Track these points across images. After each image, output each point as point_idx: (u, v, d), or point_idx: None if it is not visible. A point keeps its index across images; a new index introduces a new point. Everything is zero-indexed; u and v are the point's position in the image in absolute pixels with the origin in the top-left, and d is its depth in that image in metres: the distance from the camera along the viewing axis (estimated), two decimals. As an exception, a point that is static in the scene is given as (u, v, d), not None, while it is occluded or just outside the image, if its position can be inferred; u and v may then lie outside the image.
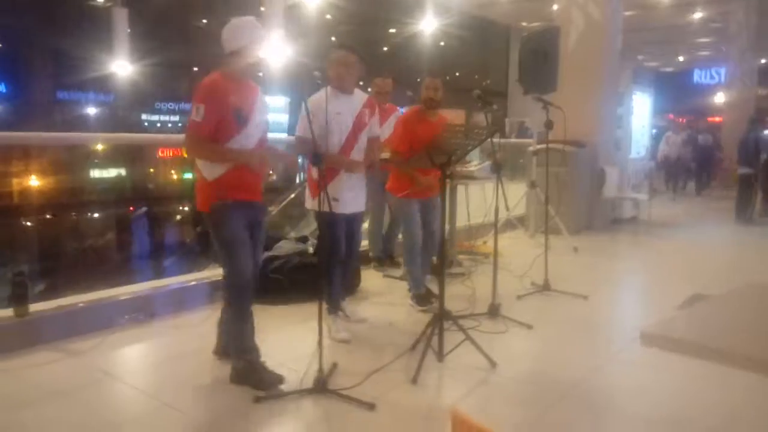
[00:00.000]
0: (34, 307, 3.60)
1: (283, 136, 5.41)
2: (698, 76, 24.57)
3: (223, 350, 3.24)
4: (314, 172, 3.62)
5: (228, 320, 3.10)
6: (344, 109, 3.63)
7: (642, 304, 4.93)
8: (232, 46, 2.93)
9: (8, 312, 3.51)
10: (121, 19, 8.30)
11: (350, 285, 4.32)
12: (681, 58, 23.30)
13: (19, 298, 3.52)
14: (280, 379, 2.95)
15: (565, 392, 3.01)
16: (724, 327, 1.42)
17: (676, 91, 24.91)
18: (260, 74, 3.23)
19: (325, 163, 3.30)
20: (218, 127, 2.87)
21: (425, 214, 4.33)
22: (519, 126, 13.99)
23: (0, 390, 2.93)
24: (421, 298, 4.30)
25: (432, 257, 4.52)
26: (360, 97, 3.77)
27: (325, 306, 3.68)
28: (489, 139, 3.68)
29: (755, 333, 1.39)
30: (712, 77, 23.41)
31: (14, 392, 2.91)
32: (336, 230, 3.70)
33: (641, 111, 8.95)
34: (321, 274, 3.72)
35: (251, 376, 2.96)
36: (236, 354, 3.02)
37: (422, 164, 3.54)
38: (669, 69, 25.42)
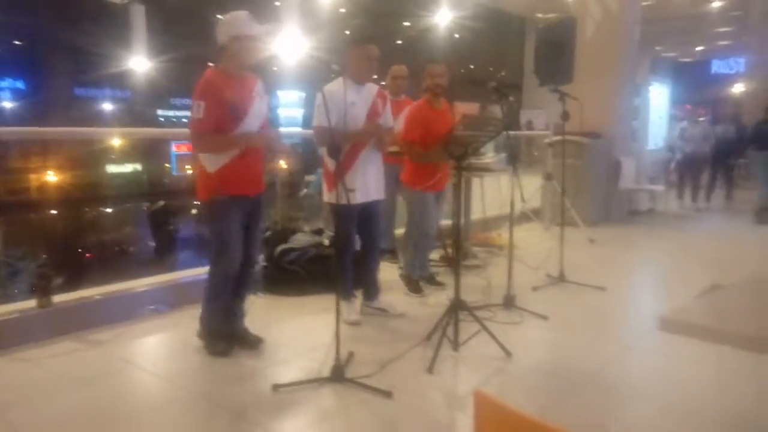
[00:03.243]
0: (57, 298, 3.67)
1: (298, 130, 5.42)
2: (717, 67, 24.30)
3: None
4: (330, 164, 3.67)
5: (205, 293, 3.28)
6: (358, 99, 3.66)
7: (659, 295, 4.91)
8: (222, 39, 3.03)
9: (32, 303, 3.59)
10: (138, 15, 8.38)
11: (375, 277, 4.09)
12: (699, 48, 23.02)
13: (42, 289, 3.59)
14: (227, 352, 3.24)
15: (582, 381, 3.02)
16: (742, 312, 1.42)
17: (695, 82, 24.59)
18: (274, 69, 3.27)
19: (349, 141, 3.52)
20: (216, 123, 2.97)
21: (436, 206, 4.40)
22: (527, 125, 14.07)
23: (27, 378, 3.01)
24: (414, 283, 4.43)
25: (432, 243, 4.65)
26: (371, 87, 3.80)
27: (338, 292, 3.77)
28: (504, 132, 3.71)
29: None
30: (730, 67, 23.14)
31: (40, 380, 2.98)
32: (349, 222, 3.74)
33: (659, 102, 8.86)
34: (335, 264, 3.76)
35: (209, 339, 3.30)
36: (204, 319, 3.33)
37: (439, 157, 3.55)
38: (687, 59, 25.14)
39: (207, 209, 3.13)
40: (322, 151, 3.66)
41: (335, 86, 3.63)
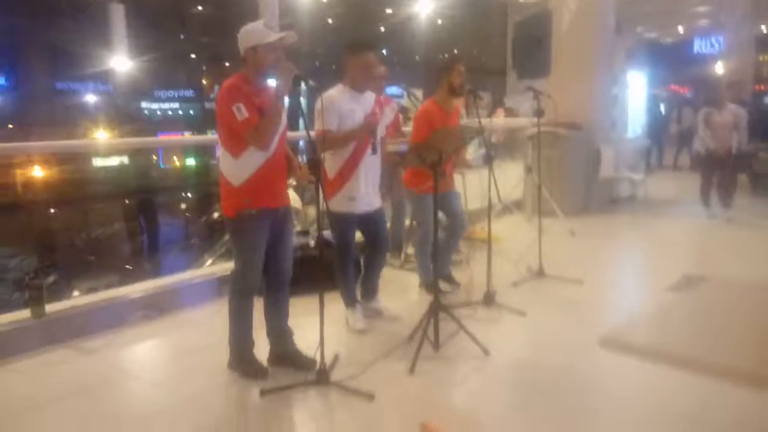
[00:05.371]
0: (50, 307, 3.77)
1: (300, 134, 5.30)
2: (699, 46, 24.48)
3: (274, 357, 3.31)
4: (330, 172, 3.70)
5: (229, 311, 3.23)
6: (357, 107, 3.65)
7: (635, 287, 5.07)
8: (241, 50, 3.03)
9: (25, 313, 3.68)
10: (117, 15, 8.37)
11: (376, 279, 4.12)
12: (681, 28, 23.16)
13: (35, 299, 3.68)
14: (264, 372, 3.18)
15: (555, 377, 3.18)
16: (683, 330, 1.54)
17: (677, 62, 24.79)
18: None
19: (348, 141, 3.57)
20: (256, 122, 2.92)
21: (447, 204, 4.30)
22: (510, 112, 14.25)
23: (20, 390, 3.11)
24: (431, 285, 4.24)
25: (459, 241, 4.64)
26: (370, 95, 3.81)
27: (342, 300, 3.92)
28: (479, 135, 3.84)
29: (711, 336, 1.51)
30: (712, 46, 23.31)
31: (34, 392, 3.08)
32: (350, 231, 3.81)
33: (637, 89, 8.99)
34: (337, 272, 3.85)
35: (240, 364, 3.22)
36: (231, 342, 3.25)
37: (414, 163, 3.65)
38: (669, 39, 25.28)
39: (233, 224, 3.09)
40: (324, 156, 3.65)
41: (334, 93, 3.65)
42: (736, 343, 1.48)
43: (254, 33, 3.00)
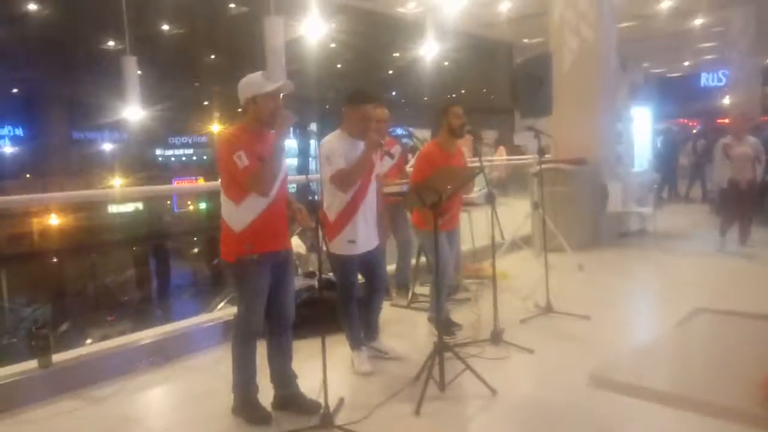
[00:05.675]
0: (57, 357, 3.79)
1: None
2: (705, 80, 24.68)
3: (278, 402, 3.30)
4: (330, 215, 3.74)
5: (232, 356, 3.23)
6: (358, 154, 3.67)
7: (643, 323, 5.01)
8: (241, 101, 3.11)
9: (32, 364, 3.70)
10: (130, 67, 8.62)
11: (377, 318, 4.14)
12: (687, 63, 23.37)
13: (42, 349, 3.71)
14: (268, 418, 3.16)
15: (562, 416, 3.13)
16: (673, 367, 1.53)
17: (684, 96, 24.97)
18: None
19: (362, 169, 3.59)
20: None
21: (449, 243, 4.36)
22: (517, 150, 14.43)
23: (28, 440, 3.12)
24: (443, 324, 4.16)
25: (449, 279, 4.62)
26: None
27: (347, 342, 3.90)
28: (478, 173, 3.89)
29: (702, 373, 1.50)
30: (719, 80, 23.47)
31: (41, 442, 3.09)
32: (352, 272, 3.82)
33: (642, 124, 9.04)
34: (341, 315, 3.86)
35: (244, 410, 3.19)
36: (235, 387, 3.23)
37: (414, 203, 3.69)
38: (676, 74, 25.50)
39: (234, 269, 3.08)
40: (331, 199, 3.71)
41: (334, 138, 3.72)
42: (743, 382, 1.46)
43: (253, 84, 3.07)
